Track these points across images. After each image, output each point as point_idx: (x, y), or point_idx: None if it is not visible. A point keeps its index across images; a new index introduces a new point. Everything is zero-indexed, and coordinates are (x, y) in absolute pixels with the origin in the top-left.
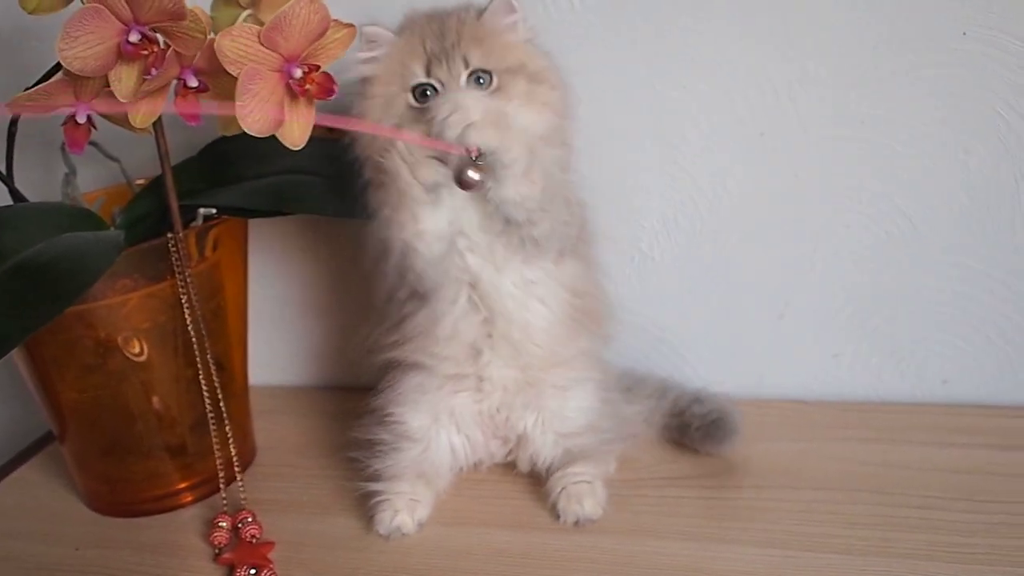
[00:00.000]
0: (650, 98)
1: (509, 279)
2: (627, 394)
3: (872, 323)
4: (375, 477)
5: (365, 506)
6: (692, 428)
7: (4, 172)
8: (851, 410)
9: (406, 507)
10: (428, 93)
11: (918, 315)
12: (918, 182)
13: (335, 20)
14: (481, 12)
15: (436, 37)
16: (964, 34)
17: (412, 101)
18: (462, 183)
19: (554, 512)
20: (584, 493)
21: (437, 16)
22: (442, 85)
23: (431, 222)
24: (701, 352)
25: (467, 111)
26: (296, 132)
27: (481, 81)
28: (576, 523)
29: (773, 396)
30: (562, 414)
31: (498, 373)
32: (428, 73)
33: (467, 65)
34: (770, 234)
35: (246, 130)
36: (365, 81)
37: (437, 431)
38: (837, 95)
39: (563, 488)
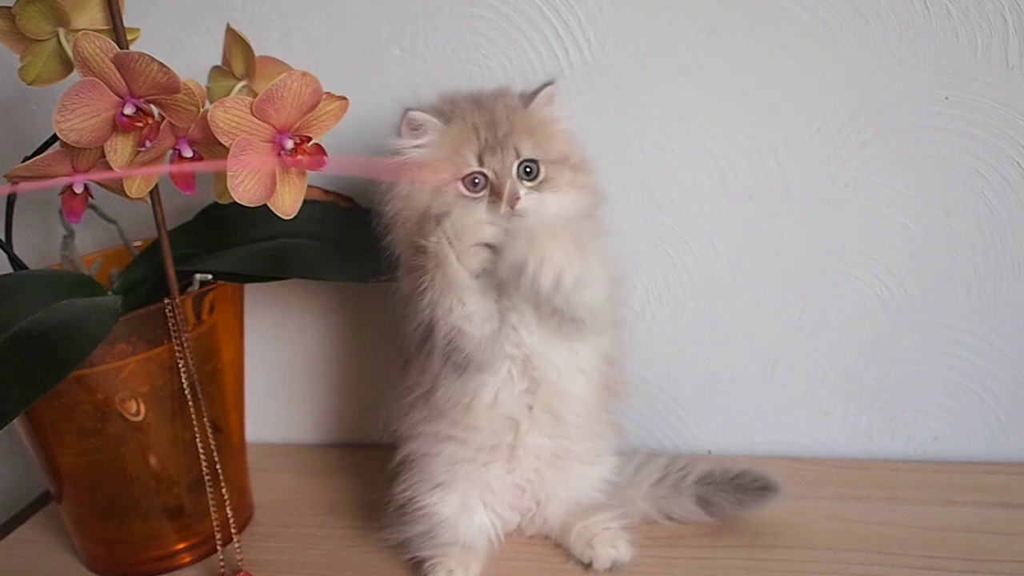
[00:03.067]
0: (639, 161)
1: (556, 351)
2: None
3: (861, 381)
4: (425, 541)
5: (395, 574)
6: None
7: (3, 239)
8: (843, 467)
9: (459, 566)
10: (478, 181)
11: (906, 373)
12: (902, 243)
13: (327, 93)
14: (527, 101)
15: (488, 126)
16: (946, 98)
17: (463, 189)
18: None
19: (583, 561)
20: (616, 537)
21: (483, 103)
22: (495, 175)
23: (480, 304)
24: (692, 410)
25: (552, 259)
26: (288, 201)
27: (529, 171)
28: (611, 567)
29: (764, 453)
30: (587, 483)
31: (533, 442)
32: (481, 162)
33: (518, 155)
34: (759, 295)
35: (237, 200)
36: (413, 166)
37: (469, 514)
38: (821, 158)
39: (594, 535)
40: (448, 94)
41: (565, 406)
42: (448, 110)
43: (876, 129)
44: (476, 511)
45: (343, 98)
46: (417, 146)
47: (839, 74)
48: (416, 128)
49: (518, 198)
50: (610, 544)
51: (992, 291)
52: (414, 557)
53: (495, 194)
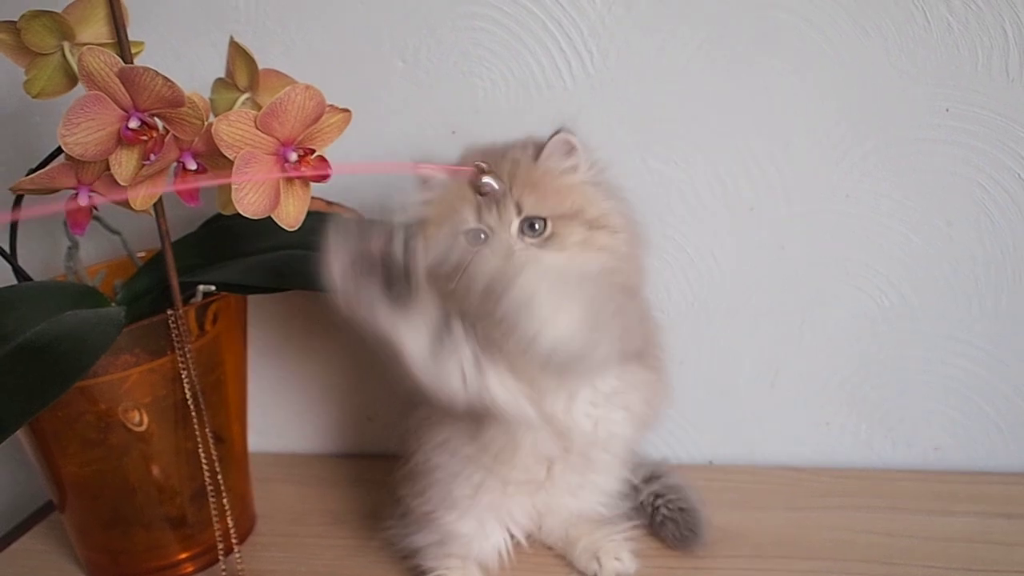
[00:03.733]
0: (640, 173)
1: (581, 404)
2: None
3: (862, 391)
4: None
5: None
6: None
7: (8, 250)
8: (844, 478)
9: None
10: (481, 237)
11: (907, 383)
12: (903, 254)
13: (330, 105)
14: (538, 152)
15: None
16: (947, 110)
17: (469, 244)
18: (480, 191)
19: (587, 573)
20: (620, 548)
21: (492, 155)
22: (492, 231)
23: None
24: (693, 421)
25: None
26: (292, 213)
27: (535, 227)
28: None
29: (766, 463)
30: (595, 497)
31: (564, 479)
32: (479, 218)
33: (520, 211)
34: (760, 305)
35: (242, 212)
36: (419, 223)
37: (485, 535)
38: (822, 169)
39: (599, 548)
40: (468, 149)
41: (599, 451)
42: (462, 158)
43: (877, 140)
44: (493, 533)
45: (346, 111)
46: (423, 202)
47: (840, 86)
48: (423, 183)
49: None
50: (615, 556)
51: (993, 302)
52: (419, 566)
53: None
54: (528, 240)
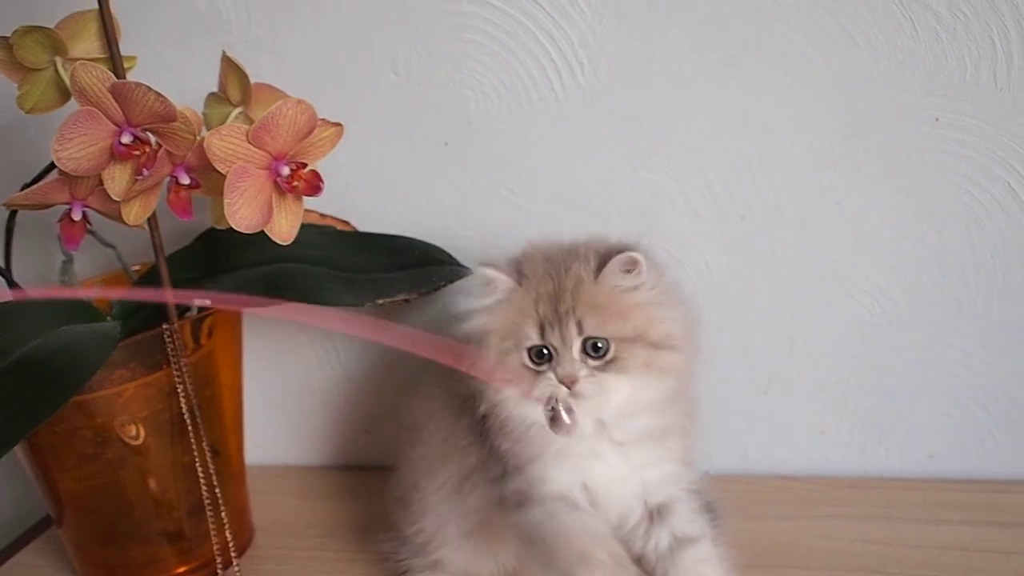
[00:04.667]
0: (632, 182)
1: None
2: None
3: (855, 398)
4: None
5: None
6: None
7: (3, 266)
8: (838, 486)
9: None
10: (544, 353)
11: (899, 389)
12: (894, 260)
13: (322, 120)
14: (600, 267)
15: (550, 299)
16: (937, 119)
17: (527, 361)
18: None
19: None
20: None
21: (555, 264)
22: (556, 351)
23: None
24: None
25: None
26: (284, 227)
27: (599, 348)
28: None
29: (760, 472)
30: None
31: None
32: (542, 336)
33: (581, 331)
34: (752, 312)
35: (234, 227)
36: (482, 329)
37: (483, 563)
38: (813, 177)
39: None
40: (533, 246)
41: None
42: (522, 266)
43: (867, 148)
44: (489, 563)
45: (338, 124)
46: (484, 308)
47: (830, 94)
48: (487, 285)
49: (575, 381)
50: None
51: (983, 307)
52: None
53: (553, 371)
54: (591, 363)
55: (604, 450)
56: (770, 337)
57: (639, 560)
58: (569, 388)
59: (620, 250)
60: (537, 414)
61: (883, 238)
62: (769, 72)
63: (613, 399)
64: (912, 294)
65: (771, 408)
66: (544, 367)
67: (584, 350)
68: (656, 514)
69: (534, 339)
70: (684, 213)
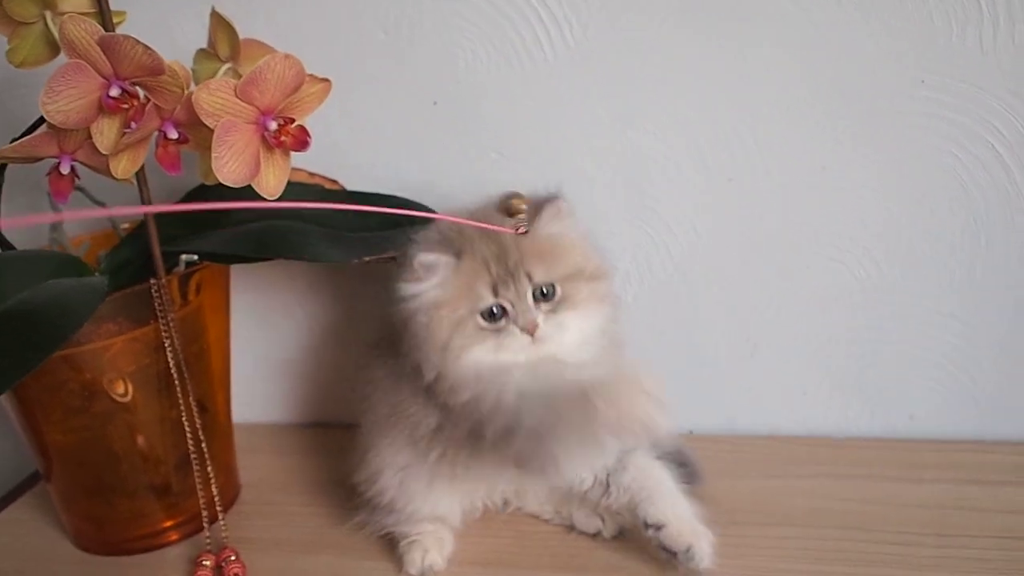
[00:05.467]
0: (620, 144)
1: None
2: None
3: (838, 361)
4: (398, 519)
5: (381, 551)
6: None
7: None
8: (820, 446)
9: (434, 545)
10: (496, 312)
11: (883, 353)
12: (879, 225)
13: (310, 75)
14: (534, 219)
15: (497, 259)
16: (922, 82)
17: (482, 322)
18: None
19: (588, 530)
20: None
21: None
22: (512, 306)
23: None
24: (673, 390)
25: None
26: (272, 182)
27: (546, 293)
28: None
29: (744, 432)
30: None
31: None
32: (496, 294)
33: (531, 281)
34: (739, 275)
35: (222, 181)
36: (430, 305)
37: (450, 509)
38: (799, 140)
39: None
40: (446, 225)
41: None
42: (457, 242)
43: (853, 112)
44: (456, 507)
45: (326, 80)
46: (430, 287)
47: (816, 57)
48: (428, 269)
49: (536, 325)
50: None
51: (967, 271)
52: (388, 533)
53: (514, 324)
54: (544, 307)
55: None
56: (756, 300)
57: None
58: (532, 335)
59: (546, 199)
60: (494, 365)
61: (868, 201)
62: (756, 34)
63: (568, 339)
64: (896, 257)
65: (757, 370)
66: (498, 324)
67: (535, 298)
68: None
69: (488, 299)
70: (672, 175)
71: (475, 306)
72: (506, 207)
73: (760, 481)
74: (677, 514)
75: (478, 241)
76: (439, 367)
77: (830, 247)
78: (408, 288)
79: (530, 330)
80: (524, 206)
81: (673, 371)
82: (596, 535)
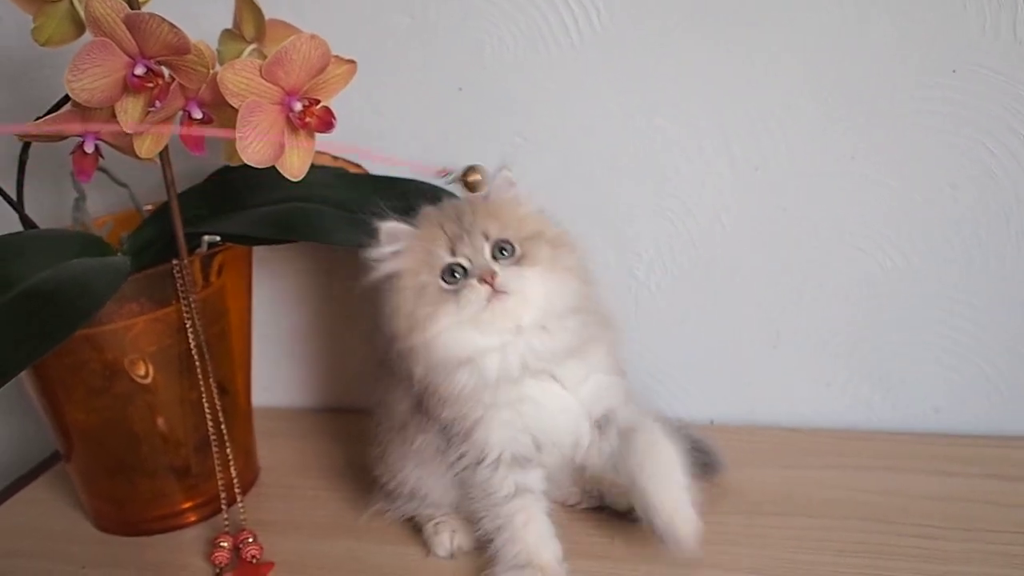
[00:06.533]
0: (646, 131)
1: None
2: None
3: (862, 352)
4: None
5: (400, 535)
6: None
7: (15, 199)
8: (843, 438)
9: (461, 526)
10: (457, 273)
11: (908, 344)
12: (907, 215)
13: (335, 56)
14: (487, 195)
15: (454, 220)
16: (954, 71)
17: (443, 284)
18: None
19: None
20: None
21: (450, 205)
22: (469, 262)
23: None
24: (695, 379)
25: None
26: (296, 163)
27: (505, 251)
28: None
29: (765, 423)
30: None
31: None
32: (453, 253)
33: (488, 238)
34: (763, 265)
35: (246, 161)
36: (393, 276)
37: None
38: (827, 130)
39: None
40: (426, 208)
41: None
42: (420, 218)
43: (881, 101)
44: None
45: (351, 61)
46: (394, 253)
47: (845, 45)
48: (391, 239)
49: (494, 274)
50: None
51: (996, 263)
52: (411, 517)
53: (472, 276)
54: (503, 262)
55: (533, 388)
56: (780, 290)
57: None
58: (491, 285)
59: (496, 171)
60: (465, 346)
61: (895, 192)
62: (784, 23)
63: (531, 296)
64: (923, 249)
65: (779, 361)
66: (458, 283)
67: (494, 255)
68: (599, 426)
69: (447, 258)
70: (697, 163)
71: (435, 268)
72: (464, 179)
73: (780, 472)
74: (671, 497)
75: (436, 214)
76: (410, 342)
77: (856, 237)
78: (372, 254)
79: (486, 279)
80: (480, 177)
81: (695, 360)
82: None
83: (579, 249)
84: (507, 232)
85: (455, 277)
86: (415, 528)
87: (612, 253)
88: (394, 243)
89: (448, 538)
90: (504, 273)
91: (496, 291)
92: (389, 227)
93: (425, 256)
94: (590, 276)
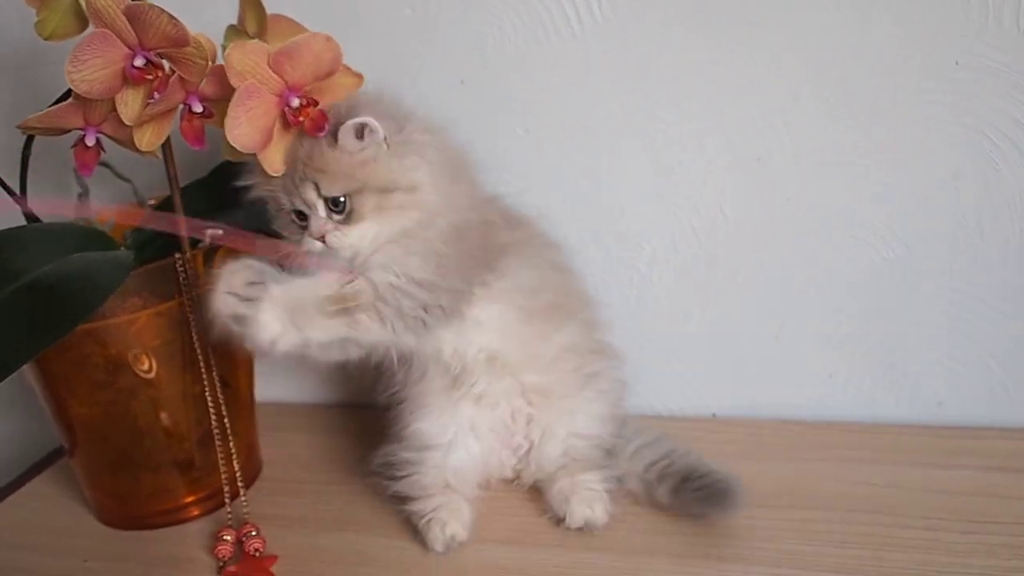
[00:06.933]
0: (648, 123)
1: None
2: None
3: (866, 345)
4: (405, 499)
5: (402, 529)
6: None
7: (18, 193)
8: (846, 431)
9: (452, 516)
10: (303, 214)
11: (911, 337)
12: (910, 207)
13: (345, 66)
14: (333, 136)
15: (290, 170)
16: (956, 63)
17: (295, 220)
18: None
19: (559, 515)
20: (594, 498)
21: (300, 136)
22: (308, 211)
23: None
24: (698, 372)
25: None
26: (277, 158)
27: (338, 203)
28: (582, 527)
29: (769, 416)
30: (581, 419)
31: (491, 387)
32: (292, 202)
33: (319, 193)
34: (766, 257)
35: (230, 141)
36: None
37: (455, 434)
38: (830, 121)
39: (573, 492)
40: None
41: (494, 351)
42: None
43: (885, 93)
44: (463, 433)
45: (359, 75)
46: (255, 184)
47: (849, 37)
48: (246, 174)
49: (324, 235)
50: (588, 504)
51: (998, 255)
52: (409, 509)
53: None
54: (335, 217)
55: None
56: (782, 281)
57: None
58: (324, 242)
59: (347, 117)
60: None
61: (899, 183)
62: (787, 15)
63: (360, 242)
64: (926, 241)
65: (782, 353)
66: (303, 223)
67: (328, 208)
68: None
69: (287, 205)
70: (699, 154)
71: (281, 208)
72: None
73: (784, 464)
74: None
75: (297, 145)
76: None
77: (859, 229)
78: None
79: (319, 238)
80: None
81: (697, 352)
82: (561, 521)
83: (430, 177)
84: (335, 188)
85: (304, 216)
86: (409, 522)
87: (614, 246)
88: (251, 176)
89: (440, 531)
90: (332, 236)
91: (329, 247)
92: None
93: (272, 194)
94: (445, 203)
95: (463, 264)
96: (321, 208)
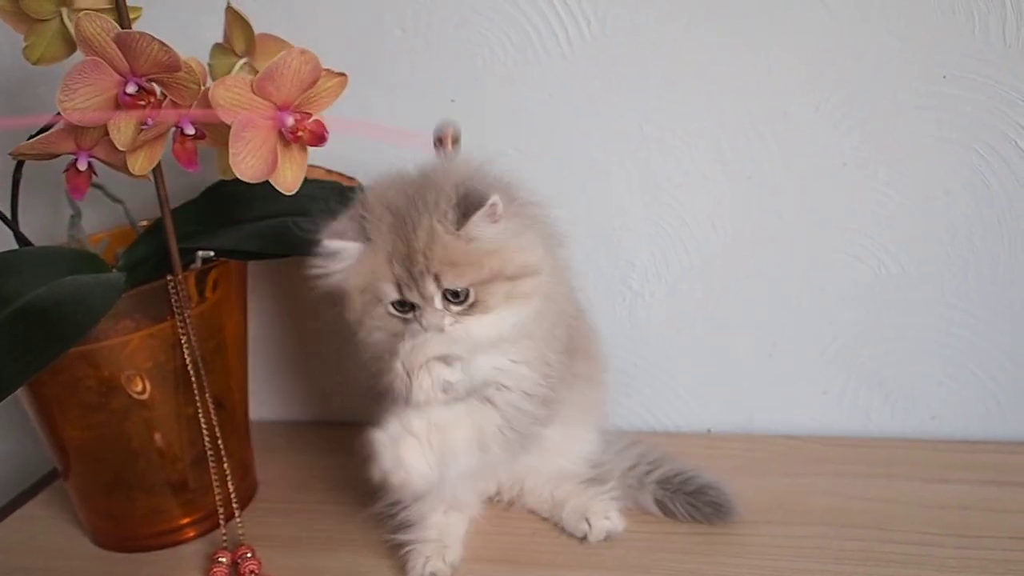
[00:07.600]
0: (638, 140)
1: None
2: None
3: (859, 360)
4: (403, 525)
5: (394, 555)
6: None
7: (9, 216)
8: (840, 446)
9: (435, 552)
10: (407, 303)
11: (905, 352)
12: (901, 222)
13: (326, 69)
14: (461, 222)
15: (402, 260)
16: (944, 77)
17: (392, 309)
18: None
19: (576, 535)
20: (608, 506)
21: (401, 219)
22: (420, 302)
23: None
24: (691, 388)
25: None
26: (289, 177)
27: (459, 296)
28: (606, 538)
29: (763, 432)
30: (568, 458)
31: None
32: (400, 293)
33: (439, 285)
34: (758, 273)
35: (240, 176)
36: (340, 288)
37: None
38: (820, 136)
39: (588, 507)
40: (373, 193)
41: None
42: (367, 226)
43: (874, 108)
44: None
45: (342, 75)
46: (338, 271)
47: (837, 52)
48: (332, 255)
49: (442, 330)
50: (604, 515)
51: (989, 269)
52: (394, 541)
53: (420, 323)
54: (454, 308)
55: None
56: (775, 296)
57: None
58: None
59: (479, 200)
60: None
61: (889, 199)
62: (776, 31)
63: (479, 338)
64: (918, 255)
65: (776, 369)
66: (407, 314)
67: (445, 298)
68: None
69: (394, 295)
70: (690, 171)
71: (382, 298)
72: (441, 137)
73: (778, 480)
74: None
75: (386, 232)
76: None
77: (850, 244)
78: (315, 270)
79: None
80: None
81: (691, 368)
82: (583, 539)
83: (547, 263)
84: (462, 280)
85: (405, 305)
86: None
87: (606, 262)
88: (337, 263)
89: (421, 564)
90: (450, 329)
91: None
92: (330, 246)
93: (371, 282)
94: (556, 284)
95: (563, 370)
96: (438, 301)
